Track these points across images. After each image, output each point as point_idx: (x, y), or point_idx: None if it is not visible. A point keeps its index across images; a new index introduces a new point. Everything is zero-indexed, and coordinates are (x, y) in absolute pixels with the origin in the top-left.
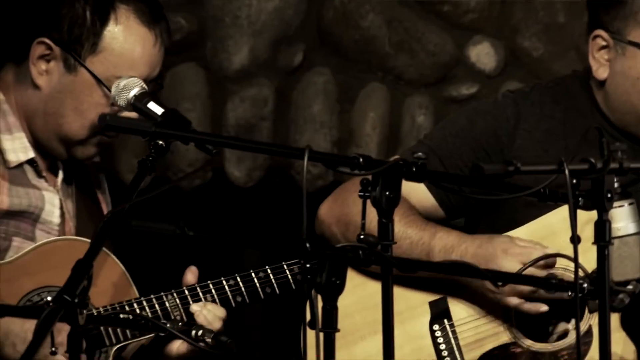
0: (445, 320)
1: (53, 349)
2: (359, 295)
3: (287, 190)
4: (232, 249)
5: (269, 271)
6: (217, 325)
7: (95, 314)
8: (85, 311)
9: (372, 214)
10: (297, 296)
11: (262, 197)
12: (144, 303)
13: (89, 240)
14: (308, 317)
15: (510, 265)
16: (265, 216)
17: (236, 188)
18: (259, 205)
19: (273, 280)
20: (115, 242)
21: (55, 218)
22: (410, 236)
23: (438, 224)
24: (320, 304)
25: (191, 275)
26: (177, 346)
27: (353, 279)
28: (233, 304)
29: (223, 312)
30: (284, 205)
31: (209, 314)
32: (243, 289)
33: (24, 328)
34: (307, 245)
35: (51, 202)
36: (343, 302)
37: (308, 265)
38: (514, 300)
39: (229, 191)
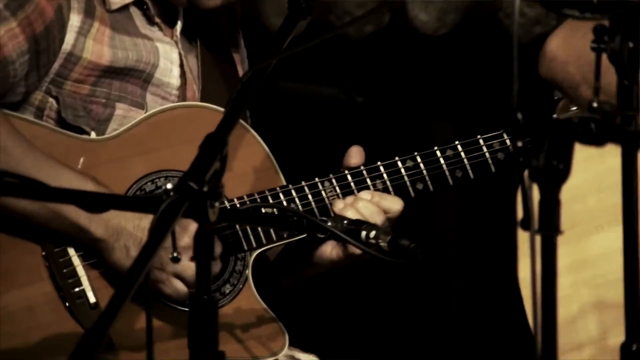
0: None
1: (175, 254)
2: (594, 171)
3: (492, 40)
4: (415, 120)
5: (459, 148)
6: (391, 223)
7: (230, 207)
8: (217, 204)
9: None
10: (500, 183)
11: (458, 49)
12: (293, 193)
13: (220, 109)
14: (520, 214)
15: None
16: (460, 75)
17: (422, 37)
18: (452, 60)
19: (465, 160)
20: (256, 113)
21: (174, 79)
22: None
23: None
24: (536, 196)
25: (355, 156)
26: (332, 248)
27: (584, 149)
28: (412, 193)
29: (399, 204)
30: (486, 61)
31: (380, 204)
32: (425, 172)
33: (140, 226)
34: (519, 115)
35: (167, 57)
36: (572, 181)
37: (520, 144)
38: None
39: (413, 41)
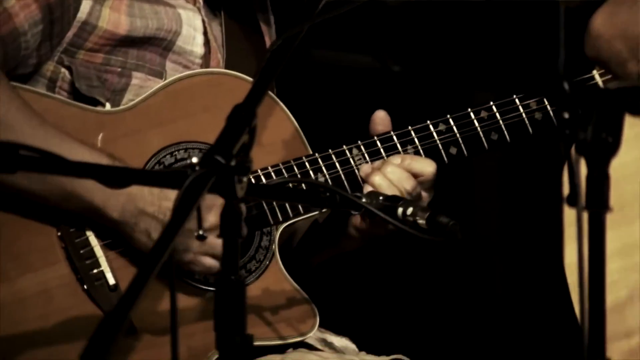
0: None
1: (200, 232)
2: None
3: (536, 6)
4: (453, 90)
5: (494, 109)
6: (424, 188)
7: (253, 181)
8: (245, 179)
9: None
10: (545, 158)
11: (500, 14)
12: (320, 161)
13: (242, 76)
14: (566, 190)
15: None
16: (502, 42)
17: (462, 2)
18: (493, 26)
19: (501, 121)
20: (286, 82)
21: (197, 47)
22: None
23: None
24: (583, 171)
25: (381, 122)
26: (361, 221)
27: (635, 124)
28: (445, 159)
29: (432, 166)
30: (529, 27)
31: (411, 167)
32: (458, 135)
33: (162, 209)
34: (565, 84)
35: (191, 24)
36: (621, 158)
37: (566, 115)
38: None
39: (452, 7)
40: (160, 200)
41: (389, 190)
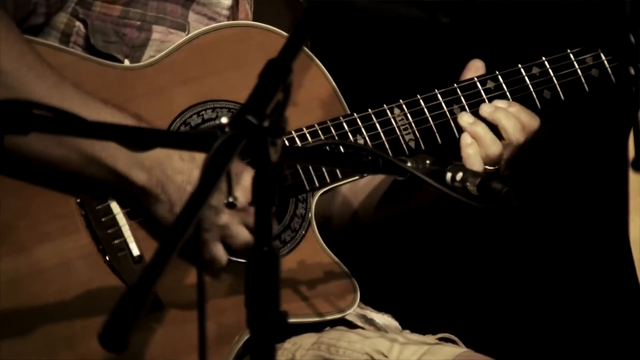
0: None
1: (230, 200)
2: None
3: None
4: (505, 44)
5: (546, 64)
6: (518, 136)
7: (287, 144)
8: (280, 141)
9: None
10: (608, 119)
11: None
12: (359, 122)
13: (274, 29)
14: (631, 153)
15: None
16: None
17: None
18: None
19: (554, 79)
20: (320, 36)
21: None
22: None
23: None
24: None
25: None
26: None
27: None
28: (538, 104)
29: (537, 121)
30: None
31: (520, 117)
32: (508, 94)
33: (192, 179)
34: (631, 37)
35: None
36: None
37: (632, 71)
38: None
39: None
40: (191, 169)
41: (493, 146)
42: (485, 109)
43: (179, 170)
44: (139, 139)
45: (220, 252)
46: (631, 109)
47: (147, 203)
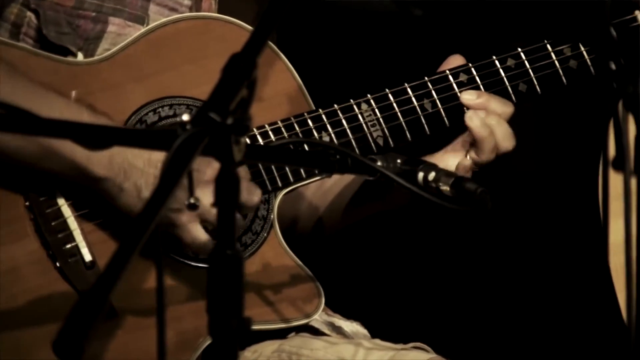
0: None
1: (191, 201)
2: None
3: None
4: (479, 37)
5: (522, 56)
6: (499, 131)
7: (249, 141)
8: (243, 139)
9: None
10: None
11: None
12: (324, 118)
13: (240, 24)
14: (612, 151)
15: None
16: None
17: None
18: None
19: (530, 71)
20: (286, 30)
21: None
22: None
23: None
24: (632, 131)
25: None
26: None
27: None
28: (513, 98)
29: (511, 107)
30: None
31: (489, 106)
32: (482, 87)
33: (152, 161)
34: (612, 30)
35: None
36: None
37: (613, 66)
38: None
39: None
40: (150, 153)
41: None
42: (466, 98)
43: (138, 153)
44: (96, 137)
45: (201, 234)
46: (612, 104)
47: (110, 196)
